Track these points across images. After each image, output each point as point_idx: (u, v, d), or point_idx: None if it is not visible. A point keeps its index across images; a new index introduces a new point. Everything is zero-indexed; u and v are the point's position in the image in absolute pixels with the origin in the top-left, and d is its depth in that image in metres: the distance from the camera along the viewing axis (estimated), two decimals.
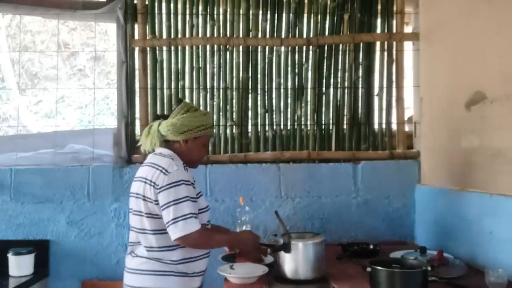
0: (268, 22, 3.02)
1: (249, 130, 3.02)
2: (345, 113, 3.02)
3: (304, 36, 3.04)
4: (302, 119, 3.01)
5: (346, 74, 3.02)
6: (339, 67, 3.03)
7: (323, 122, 3.02)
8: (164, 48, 3.00)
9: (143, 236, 1.95)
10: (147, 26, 3.02)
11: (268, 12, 3.02)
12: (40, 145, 2.96)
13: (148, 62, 3.02)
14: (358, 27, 3.01)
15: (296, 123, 3.01)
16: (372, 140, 3.02)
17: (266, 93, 3.03)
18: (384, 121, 3.03)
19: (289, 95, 3.02)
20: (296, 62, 3.02)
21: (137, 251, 1.99)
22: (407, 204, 2.90)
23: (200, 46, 3.01)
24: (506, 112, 2.02)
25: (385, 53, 3.03)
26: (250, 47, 3.01)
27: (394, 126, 3.04)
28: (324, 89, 3.03)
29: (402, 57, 3.04)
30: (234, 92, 3.01)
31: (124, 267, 2.05)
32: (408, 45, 3.04)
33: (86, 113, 5.23)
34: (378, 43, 3.04)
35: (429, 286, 1.69)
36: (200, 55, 3.01)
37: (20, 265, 2.65)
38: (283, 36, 3.02)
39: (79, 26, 5.18)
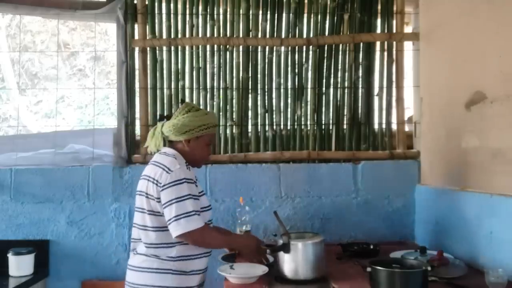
0: (268, 22, 3.02)
1: (249, 130, 3.02)
2: (345, 113, 3.02)
3: (304, 36, 3.04)
4: (302, 119, 3.01)
5: (346, 74, 3.02)
6: (339, 67, 3.03)
7: (323, 122, 3.02)
8: (164, 48, 3.00)
9: (144, 232, 1.99)
10: (147, 26, 3.02)
11: (268, 12, 3.02)
12: (40, 145, 2.96)
13: (148, 62, 3.02)
14: (358, 27, 3.01)
15: (296, 123, 3.01)
16: (372, 140, 3.02)
17: (266, 93, 3.03)
18: (384, 121, 3.03)
19: (289, 95, 3.02)
20: (296, 62, 3.02)
21: (138, 248, 2.02)
22: (407, 204, 2.90)
23: (200, 46, 3.01)
24: (506, 112, 2.02)
25: (385, 53, 3.03)
26: (250, 47, 3.01)
27: (394, 126, 3.04)
28: (324, 89, 3.03)
29: (402, 57, 3.04)
30: (234, 92, 3.01)
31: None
32: (408, 45, 3.04)
33: (86, 113, 5.23)
34: (378, 43, 3.04)
35: (429, 286, 1.69)
36: (200, 55, 3.01)
37: (20, 265, 2.66)
38: (283, 36, 3.02)
39: (79, 26, 5.18)
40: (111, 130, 3.00)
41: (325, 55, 3.03)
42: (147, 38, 3.01)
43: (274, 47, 3.01)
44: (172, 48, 3.01)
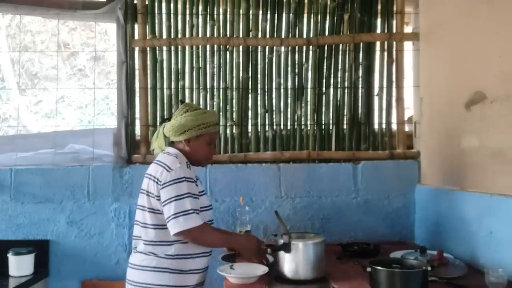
0: (268, 22, 3.02)
1: (249, 130, 3.02)
2: (345, 113, 3.02)
3: (304, 36, 3.04)
4: (302, 119, 3.01)
5: (346, 74, 3.02)
6: (339, 67, 3.03)
7: (323, 122, 3.02)
8: (164, 48, 3.01)
9: (144, 230, 2.01)
10: (147, 26, 3.02)
11: (268, 12, 3.02)
12: (40, 145, 2.96)
13: (148, 62, 3.02)
14: (358, 27, 3.01)
15: (296, 123, 3.01)
16: (372, 140, 3.02)
17: (266, 93, 3.03)
18: (384, 121, 3.03)
19: (289, 95, 3.02)
20: (296, 62, 3.02)
21: (139, 246, 2.04)
22: (407, 204, 2.90)
23: (200, 46, 3.01)
24: (506, 112, 2.02)
25: (385, 53, 3.03)
26: (250, 47, 3.01)
27: (394, 126, 3.04)
28: (324, 89, 3.03)
29: (402, 57, 3.04)
30: (234, 92, 3.01)
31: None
32: (408, 45, 3.04)
33: (86, 113, 5.23)
34: (378, 43, 3.04)
35: (429, 286, 1.69)
36: (200, 55, 3.01)
37: (20, 265, 2.66)
38: (283, 36, 3.02)
39: (79, 26, 5.18)
40: (111, 130, 3.00)
41: (325, 55, 3.03)
42: (147, 38, 3.01)
43: (274, 47, 3.01)
44: (172, 48, 3.01)
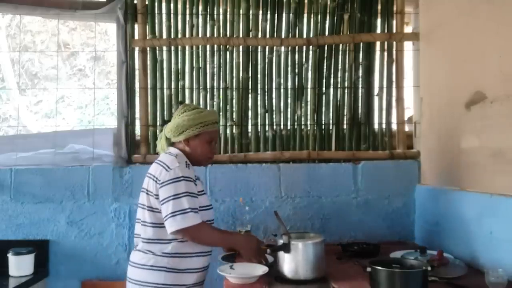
0: (268, 22, 3.02)
1: (249, 130, 3.02)
2: (345, 113, 3.02)
3: (304, 36, 3.04)
4: (302, 119, 3.01)
5: (346, 74, 3.02)
6: (339, 67, 3.03)
7: (323, 122, 3.02)
8: (164, 48, 3.00)
9: (143, 228, 2.05)
10: (147, 26, 3.02)
11: (268, 12, 3.02)
12: (40, 145, 2.96)
13: (148, 62, 3.02)
14: (358, 27, 3.01)
15: (296, 123, 3.01)
16: (372, 140, 3.02)
17: (266, 93, 3.03)
18: (384, 121, 3.03)
19: (289, 95, 3.02)
20: (296, 62, 3.02)
21: (139, 244, 2.08)
22: (407, 204, 2.90)
23: (200, 46, 3.01)
24: (506, 112, 2.02)
25: (385, 53, 3.03)
26: (250, 47, 3.01)
27: (394, 126, 3.04)
28: (324, 89, 3.03)
29: (402, 57, 3.04)
30: (234, 92, 3.01)
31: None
32: (408, 45, 3.04)
33: (86, 113, 5.23)
34: (378, 43, 3.04)
35: (429, 286, 1.69)
36: (200, 55, 3.01)
37: (20, 265, 2.65)
38: (283, 36, 3.02)
39: (79, 26, 5.18)
40: (111, 130, 3.00)
41: (325, 55, 3.03)
42: (147, 38, 3.01)
43: (274, 47, 3.01)
44: (172, 48, 3.01)
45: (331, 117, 3.03)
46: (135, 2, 3.01)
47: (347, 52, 3.02)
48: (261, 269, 1.98)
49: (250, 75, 3.02)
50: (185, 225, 1.93)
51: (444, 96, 2.62)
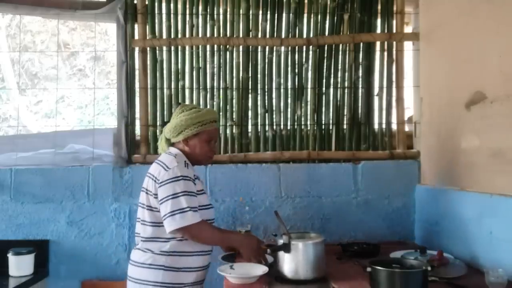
0: (268, 22, 3.02)
1: (249, 130, 3.02)
2: (345, 113, 3.02)
3: (304, 36, 3.04)
4: (302, 119, 3.01)
5: (346, 74, 3.02)
6: (339, 67, 3.03)
7: (323, 122, 3.02)
8: (164, 48, 3.00)
9: (142, 227, 2.07)
10: (147, 26, 3.02)
11: (268, 12, 3.02)
12: (40, 145, 2.96)
13: (148, 62, 3.02)
14: (358, 27, 3.01)
15: (296, 123, 3.01)
16: (372, 140, 3.02)
17: (266, 93, 3.03)
18: (384, 121, 3.03)
19: (289, 95, 3.02)
20: (296, 62, 3.02)
21: (139, 243, 2.10)
22: (407, 204, 2.90)
23: (200, 46, 3.01)
24: (506, 112, 2.02)
25: (385, 53, 3.03)
26: (250, 47, 3.01)
27: (394, 126, 3.04)
28: (324, 89, 3.03)
29: (402, 57, 3.04)
30: (234, 92, 3.01)
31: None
32: (408, 45, 3.04)
33: (86, 113, 5.23)
34: (378, 43, 3.04)
35: (429, 286, 1.69)
36: (200, 55, 3.01)
37: (20, 265, 2.65)
38: (283, 36, 3.02)
39: (79, 26, 5.18)
40: (111, 130, 3.00)
41: (325, 55, 3.03)
42: (147, 38, 3.01)
43: (274, 47, 3.01)
44: (172, 48, 3.01)
45: (331, 117, 3.02)
46: (135, 2, 3.01)
47: (347, 52, 3.02)
48: (261, 269, 1.98)
49: (250, 75, 3.01)
50: (184, 223, 1.94)
51: (444, 96, 2.62)
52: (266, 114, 3.02)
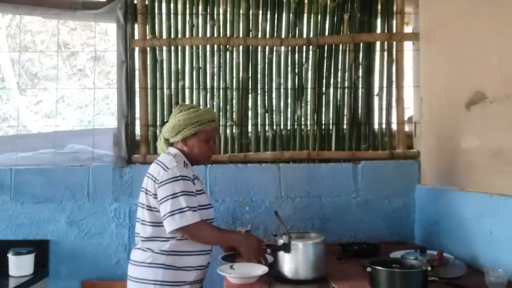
0: (268, 22, 3.02)
1: (249, 130, 3.02)
2: (345, 113, 3.02)
3: (304, 36, 3.04)
4: (302, 119, 3.01)
5: (346, 74, 3.02)
6: (339, 67, 3.03)
7: (323, 122, 3.02)
8: (164, 48, 3.00)
9: (142, 227, 2.07)
10: (147, 26, 3.02)
11: (268, 12, 3.02)
12: (40, 145, 2.96)
13: (148, 62, 3.02)
14: (358, 27, 3.01)
15: (296, 123, 3.01)
16: (372, 140, 3.02)
17: (266, 93, 3.03)
18: (384, 121, 3.03)
19: (289, 95, 3.02)
20: (296, 62, 3.02)
21: (139, 243, 2.10)
22: (407, 204, 2.90)
23: (200, 46, 3.01)
24: (506, 112, 2.02)
25: (385, 53, 3.03)
26: (250, 47, 3.01)
27: (394, 126, 3.04)
28: (324, 89, 3.03)
29: (402, 57, 3.04)
30: (234, 92, 3.01)
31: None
32: (408, 45, 3.04)
33: (86, 113, 5.23)
34: (378, 43, 3.04)
35: (429, 286, 1.69)
36: (200, 55, 3.01)
37: (20, 265, 2.65)
38: (283, 36, 3.02)
39: (79, 26, 5.18)
40: (111, 130, 3.00)
41: (325, 55, 3.02)
42: (147, 38, 3.01)
43: (274, 47, 3.01)
44: (172, 48, 3.01)
45: (331, 117, 3.02)
46: (135, 2, 3.01)
47: (347, 52, 3.02)
48: (261, 269, 1.98)
49: (250, 75, 3.01)
50: (183, 223, 1.94)
51: (444, 96, 2.62)
52: (266, 114, 3.02)
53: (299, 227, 2.84)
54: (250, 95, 3.02)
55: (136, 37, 3.00)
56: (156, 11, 3.01)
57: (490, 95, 2.15)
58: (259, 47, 3.02)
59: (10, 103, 4.52)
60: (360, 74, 3.02)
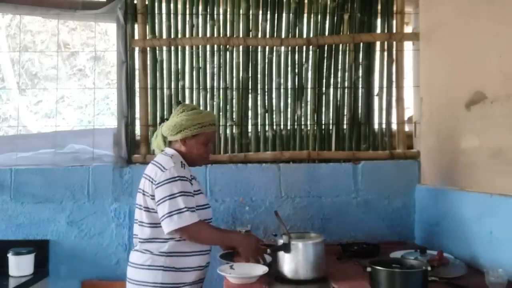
0: (268, 22, 3.02)
1: (249, 130, 3.02)
2: (345, 113, 3.02)
3: (304, 36, 3.04)
4: (302, 119, 3.01)
5: (346, 74, 3.02)
6: (339, 67, 3.03)
7: (323, 122, 3.02)
8: (164, 48, 3.00)
9: (140, 228, 2.07)
10: (147, 26, 3.02)
11: (268, 12, 3.02)
12: (40, 145, 2.96)
13: (148, 62, 3.02)
14: (358, 27, 3.01)
15: (296, 123, 3.01)
16: (372, 140, 3.02)
17: (266, 93, 3.03)
18: (384, 121, 3.03)
19: (289, 95, 3.02)
20: (296, 62, 3.02)
21: (137, 245, 2.09)
22: (407, 204, 2.90)
23: (200, 46, 3.01)
24: (506, 112, 2.02)
25: (385, 53, 3.03)
26: (250, 47, 3.01)
27: (394, 126, 3.04)
28: (324, 89, 3.03)
29: (402, 57, 3.04)
30: (234, 92, 3.01)
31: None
32: (408, 45, 3.04)
33: (86, 113, 5.23)
34: (378, 43, 3.03)
35: (429, 286, 1.69)
36: (200, 55, 3.01)
37: (20, 265, 2.65)
38: (283, 36, 3.02)
39: (79, 26, 5.18)
40: (111, 130, 3.00)
41: (325, 55, 3.02)
42: (147, 38, 3.01)
43: (274, 47, 3.01)
44: (172, 48, 3.01)
45: (331, 117, 3.02)
46: (135, 2, 3.01)
47: (347, 52, 3.02)
48: (261, 269, 1.98)
49: (250, 75, 3.01)
50: (182, 224, 1.94)
51: (444, 96, 2.62)
52: (266, 114, 3.02)
53: (299, 227, 2.84)
54: (250, 95, 3.02)
55: (136, 37, 3.00)
56: (156, 11, 3.01)
57: (490, 95, 2.15)
58: (259, 47, 3.02)
59: (10, 103, 4.52)
60: (360, 74, 3.02)
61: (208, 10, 3.01)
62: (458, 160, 2.44)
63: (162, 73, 3.02)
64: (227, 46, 3.01)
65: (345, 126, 3.02)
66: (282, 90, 3.02)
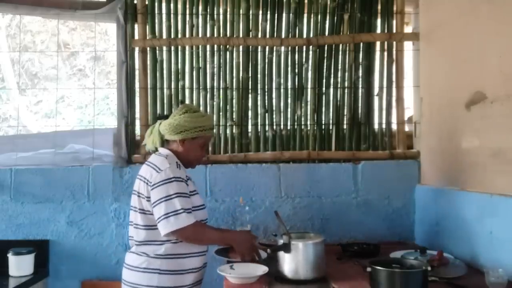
0: (268, 22, 3.02)
1: (249, 130, 3.02)
2: (345, 113, 3.02)
3: (304, 36, 3.04)
4: (302, 119, 3.01)
5: (346, 74, 3.02)
6: (339, 67, 3.03)
7: (323, 122, 3.02)
8: (164, 48, 3.00)
9: (135, 230, 2.05)
10: (147, 26, 3.02)
11: (268, 12, 3.02)
12: (40, 145, 2.96)
13: (148, 62, 3.02)
14: (358, 27, 3.01)
15: (296, 123, 3.01)
16: (372, 140, 3.02)
17: (266, 93, 3.03)
18: (384, 121, 3.03)
19: (289, 95, 3.02)
20: (296, 62, 3.02)
21: (133, 247, 2.08)
22: (407, 204, 2.90)
23: (200, 46, 3.00)
24: (506, 112, 2.02)
25: (385, 53, 3.03)
26: (250, 47, 3.01)
27: (394, 126, 3.04)
28: (324, 89, 3.03)
29: (402, 57, 3.04)
30: (234, 92, 3.01)
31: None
32: (408, 45, 3.04)
33: (86, 113, 5.23)
34: (378, 43, 3.03)
35: (429, 286, 1.69)
36: (200, 55, 3.01)
37: (20, 265, 2.65)
38: (283, 36, 3.02)
39: (79, 26, 5.18)
40: (111, 130, 3.00)
41: (325, 55, 3.02)
42: (147, 38, 3.01)
43: (274, 47, 3.01)
44: (172, 48, 3.01)
45: (331, 117, 3.02)
46: (135, 2, 3.01)
47: (347, 52, 3.02)
48: (261, 269, 1.99)
49: (250, 75, 3.01)
50: (178, 226, 1.92)
51: (444, 96, 2.62)
52: (266, 114, 3.02)
53: (299, 227, 2.84)
54: (250, 95, 3.02)
55: (136, 37, 3.00)
56: (156, 11, 3.01)
57: (490, 95, 2.15)
58: (259, 47, 3.02)
59: (10, 103, 4.52)
60: (360, 74, 3.02)
61: (208, 10, 3.01)
62: (458, 160, 2.44)
63: (162, 73, 3.02)
64: (227, 46, 3.01)
65: (345, 126, 3.02)
66: (282, 90, 3.02)
